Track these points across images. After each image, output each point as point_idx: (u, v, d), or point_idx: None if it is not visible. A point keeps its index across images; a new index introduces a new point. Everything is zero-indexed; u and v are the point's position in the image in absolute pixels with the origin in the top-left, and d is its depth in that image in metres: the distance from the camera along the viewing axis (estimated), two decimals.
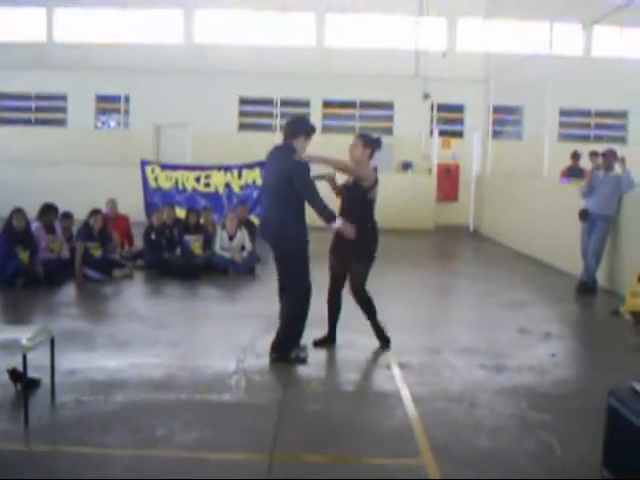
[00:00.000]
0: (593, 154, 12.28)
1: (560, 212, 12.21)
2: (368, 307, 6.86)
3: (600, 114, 22.18)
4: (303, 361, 6.39)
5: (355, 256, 6.64)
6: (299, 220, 6.35)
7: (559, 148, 16.54)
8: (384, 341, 6.92)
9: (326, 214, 6.33)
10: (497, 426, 4.97)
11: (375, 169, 6.74)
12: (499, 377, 6.13)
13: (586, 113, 22.17)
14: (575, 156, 15.09)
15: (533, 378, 6.15)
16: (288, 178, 6.22)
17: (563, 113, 21.11)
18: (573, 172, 14.71)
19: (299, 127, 6.50)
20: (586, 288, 10.10)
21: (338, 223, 6.34)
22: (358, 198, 6.64)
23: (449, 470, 4.23)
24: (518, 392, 5.71)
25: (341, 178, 6.86)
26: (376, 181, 6.66)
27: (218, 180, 17.03)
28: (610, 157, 10.25)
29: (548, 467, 4.33)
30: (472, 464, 4.35)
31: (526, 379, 6.11)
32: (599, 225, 10.04)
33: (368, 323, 6.92)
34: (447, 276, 12.31)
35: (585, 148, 15.85)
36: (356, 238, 6.46)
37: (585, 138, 21.89)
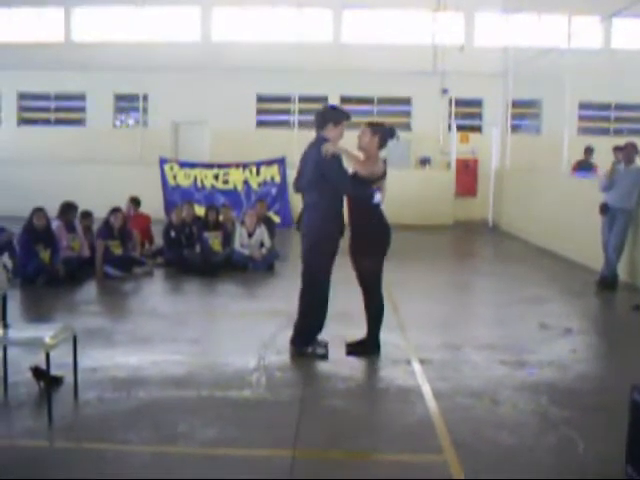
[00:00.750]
0: (617, 149, 12.22)
1: (580, 206, 12.13)
2: (376, 313, 6.56)
3: (620, 107, 22.00)
4: (323, 357, 6.39)
5: (360, 255, 6.44)
6: (328, 214, 6.34)
7: (578, 142, 16.43)
8: (372, 346, 6.59)
9: (364, 195, 6.27)
10: (518, 422, 4.96)
11: (384, 161, 6.49)
12: (520, 373, 6.11)
13: (606, 106, 22.00)
14: (588, 151, 15.14)
15: (554, 374, 6.12)
16: (320, 172, 6.23)
17: (582, 106, 20.97)
18: (583, 166, 14.89)
19: (325, 116, 6.47)
20: (607, 282, 10.04)
21: (377, 198, 6.24)
22: None
23: (471, 466, 4.22)
24: (539, 388, 5.68)
25: None
26: (383, 175, 6.40)
27: (236, 177, 17.10)
28: (630, 150, 10.17)
29: (571, 464, 4.31)
30: (494, 461, 4.34)
31: (547, 375, 6.08)
32: (619, 219, 9.96)
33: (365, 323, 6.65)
34: (466, 272, 12.27)
35: (605, 142, 15.80)
36: (359, 235, 6.37)
37: (605, 132, 21.74)
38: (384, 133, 6.49)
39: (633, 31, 21.41)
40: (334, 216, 6.38)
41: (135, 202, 12.72)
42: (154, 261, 11.51)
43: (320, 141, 6.34)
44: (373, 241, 6.45)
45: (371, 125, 6.55)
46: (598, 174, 13.94)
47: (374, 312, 6.55)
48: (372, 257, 6.45)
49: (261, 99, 22.08)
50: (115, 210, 10.85)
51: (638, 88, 19.87)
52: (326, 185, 6.25)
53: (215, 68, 20.88)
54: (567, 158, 14.58)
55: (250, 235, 11.56)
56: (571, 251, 12.70)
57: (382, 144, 6.49)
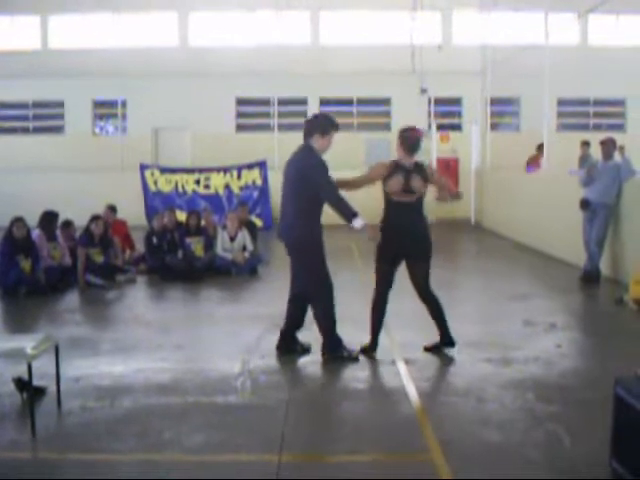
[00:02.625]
0: (584, 143, 12.38)
1: (561, 202, 12.19)
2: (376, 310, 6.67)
3: (598, 103, 22.15)
4: (355, 360, 6.37)
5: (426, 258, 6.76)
6: (312, 220, 6.29)
7: (558, 138, 16.54)
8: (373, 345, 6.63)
9: (345, 212, 6.14)
10: (505, 419, 4.96)
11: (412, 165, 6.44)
12: (505, 370, 6.11)
13: (584, 102, 22.15)
14: (541, 148, 15.57)
15: (539, 370, 6.14)
16: (304, 176, 6.17)
17: (561, 103, 21.09)
18: (535, 162, 15.80)
19: (313, 125, 6.36)
20: (590, 277, 10.08)
21: (358, 223, 6.09)
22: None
23: (457, 464, 4.21)
24: (525, 384, 5.69)
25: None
26: (390, 173, 6.33)
27: (218, 181, 17.06)
28: (609, 145, 10.22)
29: (557, 459, 4.31)
30: (480, 458, 4.34)
31: (532, 371, 6.09)
32: (600, 214, 10.01)
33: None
34: (450, 270, 12.27)
35: (584, 137, 15.90)
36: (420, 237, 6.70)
37: (584, 127, 21.87)
38: (404, 137, 6.43)
39: (609, 27, 21.57)
40: (317, 224, 6.35)
41: (112, 209, 12.59)
42: (137, 268, 11.43)
43: (306, 149, 6.29)
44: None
45: (398, 134, 6.52)
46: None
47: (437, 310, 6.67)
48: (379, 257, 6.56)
49: (241, 103, 22.04)
50: (96, 218, 10.77)
51: (615, 83, 20.02)
52: (307, 193, 6.21)
53: (194, 73, 20.83)
54: (547, 154, 14.64)
55: (232, 239, 11.52)
56: (553, 247, 12.75)
57: (406, 149, 6.43)
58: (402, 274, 6.19)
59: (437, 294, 6.70)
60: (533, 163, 16.05)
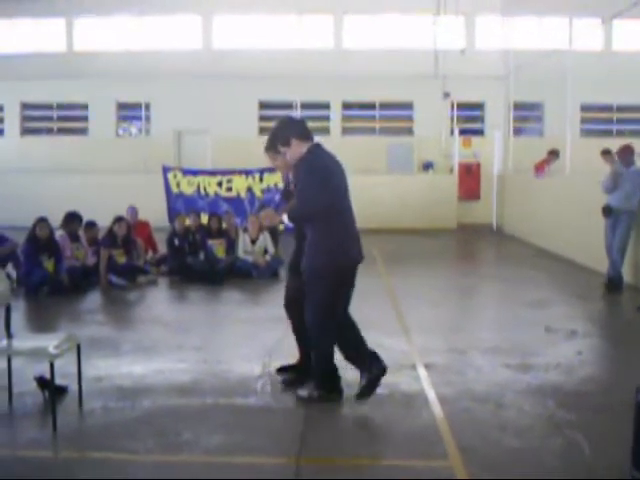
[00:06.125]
0: (605, 152, 12.23)
1: (583, 208, 12.11)
2: None
3: (622, 108, 21.98)
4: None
5: None
6: None
7: (581, 144, 16.43)
8: None
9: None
10: (524, 426, 4.93)
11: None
12: (525, 376, 6.08)
13: (608, 108, 21.99)
14: (553, 153, 16.01)
15: (560, 377, 6.10)
16: None
17: (584, 108, 20.94)
18: (540, 167, 16.16)
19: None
20: (612, 284, 10.01)
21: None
22: None
23: (477, 471, 4.20)
24: (545, 391, 5.66)
25: None
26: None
27: (240, 184, 17.08)
28: (626, 152, 10.10)
29: (577, 467, 4.28)
30: (499, 465, 4.32)
31: (553, 378, 6.06)
32: (623, 220, 9.95)
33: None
34: (471, 275, 12.25)
35: (607, 143, 15.79)
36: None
37: (607, 133, 21.72)
38: None
39: (633, 33, 21.41)
40: None
41: (132, 211, 12.66)
42: (158, 269, 11.51)
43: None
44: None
45: None
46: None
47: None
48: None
49: (263, 106, 22.11)
50: (119, 219, 10.85)
51: (639, 89, 19.86)
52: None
53: (217, 75, 20.92)
54: (570, 160, 14.56)
55: (253, 242, 11.57)
56: (575, 253, 12.68)
57: None
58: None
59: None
60: (539, 167, 16.17)
